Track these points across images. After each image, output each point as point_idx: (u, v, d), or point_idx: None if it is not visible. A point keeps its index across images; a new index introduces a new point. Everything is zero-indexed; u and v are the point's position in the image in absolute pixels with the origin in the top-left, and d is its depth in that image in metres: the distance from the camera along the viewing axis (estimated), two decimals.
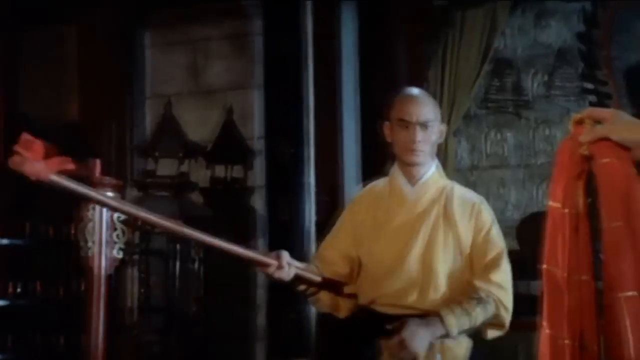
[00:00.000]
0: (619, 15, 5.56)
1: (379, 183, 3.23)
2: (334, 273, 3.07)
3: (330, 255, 3.12)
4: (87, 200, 2.58)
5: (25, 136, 2.36)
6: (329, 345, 5.11)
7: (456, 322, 2.92)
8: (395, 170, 3.15)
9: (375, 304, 3.03)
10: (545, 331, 1.76)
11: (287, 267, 2.88)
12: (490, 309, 2.99)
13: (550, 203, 1.79)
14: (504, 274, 3.06)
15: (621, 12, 5.56)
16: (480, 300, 2.97)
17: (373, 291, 3.04)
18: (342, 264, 3.10)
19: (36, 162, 2.35)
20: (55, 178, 2.40)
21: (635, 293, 1.67)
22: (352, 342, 3.16)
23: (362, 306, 3.08)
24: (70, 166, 2.43)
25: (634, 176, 1.72)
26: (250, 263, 3.07)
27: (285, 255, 2.90)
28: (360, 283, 3.10)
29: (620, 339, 1.67)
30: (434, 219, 3.05)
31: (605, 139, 1.72)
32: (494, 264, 3.05)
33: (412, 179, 3.11)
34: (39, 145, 2.35)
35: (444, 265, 3.03)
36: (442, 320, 2.91)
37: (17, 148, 2.35)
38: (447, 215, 3.06)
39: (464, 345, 3.03)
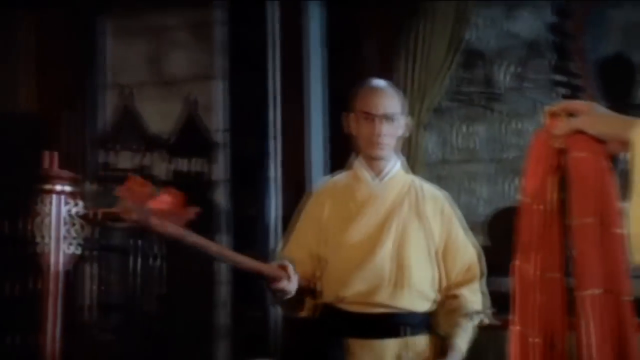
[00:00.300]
0: (592, 6, 5.49)
1: (341, 177, 3.15)
2: (303, 273, 2.98)
3: (298, 254, 3.03)
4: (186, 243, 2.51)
5: (134, 180, 2.38)
6: (295, 344, 4.97)
7: (464, 343, 3.01)
8: (360, 164, 3.09)
9: (343, 302, 2.97)
10: (515, 328, 1.76)
11: (294, 278, 2.79)
12: (477, 319, 3.10)
13: (522, 198, 1.78)
14: (482, 280, 3.10)
15: (594, 2, 5.51)
16: (472, 315, 3.06)
17: (341, 289, 2.98)
18: (309, 263, 3.04)
19: (144, 208, 2.35)
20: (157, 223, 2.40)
21: (601, 291, 1.66)
22: (319, 342, 3.09)
23: (327, 305, 3.01)
24: (186, 214, 2.48)
25: (608, 171, 1.70)
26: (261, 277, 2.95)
27: (291, 266, 2.81)
28: (326, 281, 3.03)
29: (584, 337, 1.67)
30: (405, 214, 3.01)
31: (580, 132, 1.71)
32: (474, 270, 3.07)
33: (378, 174, 3.05)
34: (146, 187, 2.39)
35: (416, 262, 2.99)
36: (453, 348, 2.97)
37: (123, 192, 2.34)
38: (418, 211, 3.03)
39: (431, 344, 3.04)
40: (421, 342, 3.01)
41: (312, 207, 3.13)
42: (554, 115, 1.78)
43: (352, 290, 2.98)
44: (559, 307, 1.75)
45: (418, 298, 3.00)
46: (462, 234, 3.13)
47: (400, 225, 3.01)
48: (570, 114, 1.75)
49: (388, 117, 3.00)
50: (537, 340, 1.73)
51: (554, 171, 1.76)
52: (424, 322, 3.05)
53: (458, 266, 3.08)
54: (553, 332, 1.74)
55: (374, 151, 3.03)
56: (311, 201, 3.16)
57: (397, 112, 3.04)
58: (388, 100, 3.03)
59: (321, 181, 3.30)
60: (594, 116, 1.72)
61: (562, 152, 1.75)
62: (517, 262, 1.78)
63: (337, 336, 2.99)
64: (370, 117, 3.00)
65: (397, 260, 2.97)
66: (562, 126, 1.73)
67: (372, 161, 3.06)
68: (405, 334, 2.99)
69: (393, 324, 2.98)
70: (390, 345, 2.97)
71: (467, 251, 3.12)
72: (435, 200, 3.10)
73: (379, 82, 3.16)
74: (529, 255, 1.76)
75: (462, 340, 3.00)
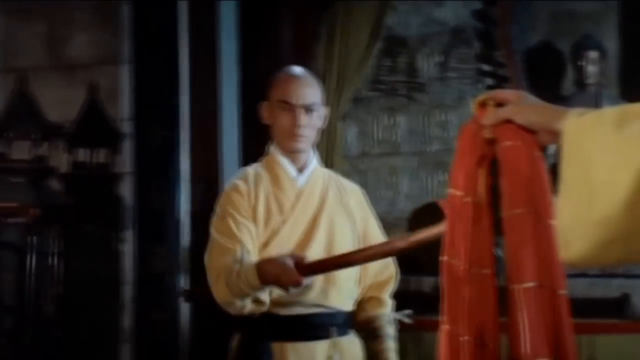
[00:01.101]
0: None
1: (259, 169, 2.99)
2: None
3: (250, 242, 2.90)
4: None
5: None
6: (206, 349, 4.85)
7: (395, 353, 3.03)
8: (278, 156, 2.96)
9: (272, 303, 2.86)
10: (444, 327, 1.73)
11: None
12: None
13: (451, 191, 1.74)
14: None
15: None
16: (395, 319, 3.08)
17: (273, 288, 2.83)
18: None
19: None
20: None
21: (534, 284, 1.62)
22: (243, 349, 2.94)
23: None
24: None
25: (540, 160, 1.67)
26: None
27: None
28: None
29: (517, 333, 1.62)
30: (331, 209, 2.94)
31: (510, 122, 1.67)
32: (392, 268, 3.06)
33: (301, 168, 2.95)
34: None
35: None
36: None
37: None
38: (343, 204, 2.97)
39: (357, 344, 2.99)
40: (348, 342, 2.97)
41: (240, 199, 2.93)
42: (482, 104, 1.73)
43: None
44: (489, 304, 1.70)
45: (346, 296, 2.97)
46: (378, 228, 3.10)
47: (329, 220, 2.95)
48: (499, 104, 1.70)
49: (307, 108, 2.90)
50: (466, 338, 1.69)
51: (484, 163, 1.72)
52: (349, 322, 3.00)
53: (382, 275, 3.06)
54: (484, 330, 1.69)
55: (293, 144, 2.93)
56: (235, 194, 2.94)
57: (316, 102, 2.94)
58: (308, 89, 2.94)
59: (239, 173, 3.07)
60: (523, 105, 1.67)
61: (492, 143, 1.70)
62: (445, 258, 1.74)
63: (263, 342, 2.89)
64: (289, 107, 2.90)
65: (328, 256, 2.89)
66: (491, 115, 1.69)
67: (293, 154, 2.97)
68: (334, 335, 2.93)
69: (323, 324, 2.92)
70: (320, 347, 2.90)
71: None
72: (355, 193, 3.07)
73: (298, 70, 3.04)
74: (458, 251, 1.72)
75: (394, 349, 3.02)
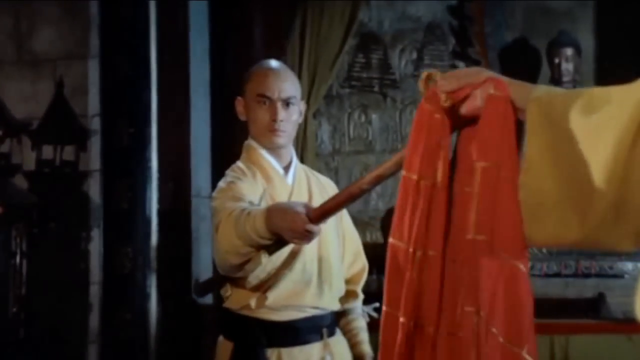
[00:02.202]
0: None
1: (244, 165, 2.89)
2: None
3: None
4: None
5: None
6: (172, 347, 4.80)
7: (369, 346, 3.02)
8: (262, 152, 2.86)
9: (263, 308, 2.79)
10: (383, 309, 1.75)
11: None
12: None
13: (404, 173, 1.74)
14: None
15: None
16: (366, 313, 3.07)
17: (263, 292, 2.79)
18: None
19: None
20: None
21: (484, 237, 1.63)
22: (239, 356, 2.85)
23: (240, 314, 2.83)
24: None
25: (511, 113, 1.63)
26: None
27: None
28: (242, 285, 2.81)
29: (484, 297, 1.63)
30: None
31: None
32: (363, 260, 3.05)
33: (286, 166, 2.88)
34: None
35: (335, 257, 2.89)
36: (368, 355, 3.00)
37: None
38: (323, 198, 2.80)
39: (344, 343, 2.98)
40: (337, 342, 2.93)
41: (243, 181, 2.80)
42: (428, 79, 1.72)
43: (279, 293, 2.80)
44: (432, 287, 1.71)
45: (337, 296, 2.92)
46: (352, 224, 3.06)
47: None
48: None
49: (285, 101, 2.82)
50: (402, 320, 1.70)
51: (441, 145, 1.71)
52: (336, 321, 2.97)
53: (348, 254, 3.00)
54: (423, 313, 1.71)
55: (273, 139, 2.83)
56: (238, 179, 2.81)
57: (294, 95, 2.86)
58: (286, 83, 2.85)
59: (229, 171, 2.91)
60: (473, 73, 1.70)
61: (452, 115, 1.69)
62: (390, 239, 1.76)
63: (258, 348, 2.81)
64: (267, 101, 2.81)
65: (320, 256, 2.84)
66: (453, 80, 1.67)
67: (275, 151, 2.88)
68: (325, 336, 2.89)
69: (316, 326, 2.87)
70: (314, 350, 2.86)
71: (354, 237, 3.05)
72: (332, 188, 3.00)
73: (275, 64, 2.95)
74: (402, 234, 1.73)
75: (367, 342, 3.01)
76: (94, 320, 4.95)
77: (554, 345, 4.41)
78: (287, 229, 2.40)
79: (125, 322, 4.79)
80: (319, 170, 3.27)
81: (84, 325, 4.97)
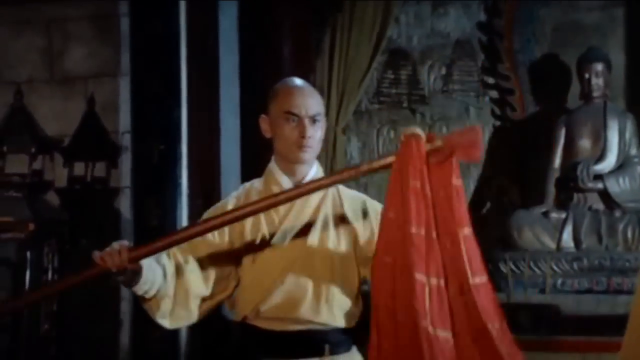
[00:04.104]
0: (521, 3, 5.42)
1: (254, 184, 2.96)
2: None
3: (202, 244, 2.84)
4: None
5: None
6: None
7: None
8: (274, 170, 2.90)
9: (260, 318, 2.80)
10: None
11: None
12: None
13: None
14: None
15: (523, 1, 5.44)
16: None
17: (260, 303, 2.80)
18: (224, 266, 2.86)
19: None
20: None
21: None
22: None
23: (242, 323, 2.85)
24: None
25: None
26: None
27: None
28: (242, 294, 2.84)
29: None
30: (322, 220, 2.84)
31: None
32: None
33: (295, 180, 2.87)
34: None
35: (338, 271, 2.83)
36: None
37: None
38: (337, 216, 2.86)
39: None
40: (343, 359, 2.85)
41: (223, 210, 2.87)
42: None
43: (271, 304, 2.80)
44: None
45: (340, 313, 2.84)
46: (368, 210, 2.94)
47: (318, 231, 2.84)
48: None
49: (312, 118, 2.83)
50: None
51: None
52: (348, 339, 2.88)
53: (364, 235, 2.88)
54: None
55: (298, 155, 2.84)
56: (222, 206, 2.91)
57: (320, 112, 2.87)
58: (312, 100, 2.87)
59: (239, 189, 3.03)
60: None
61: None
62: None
63: (253, 357, 2.82)
64: (295, 118, 2.82)
65: (315, 272, 2.80)
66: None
67: (291, 166, 2.88)
68: (327, 353, 2.81)
69: (315, 341, 2.81)
70: None
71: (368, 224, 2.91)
72: (354, 200, 2.93)
73: (299, 81, 2.96)
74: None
75: None
76: (125, 336, 4.99)
77: None
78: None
79: (155, 339, 4.79)
80: (348, 187, 3.26)
81: (115, 341, 5.01)
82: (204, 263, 2.82)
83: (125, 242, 2.63)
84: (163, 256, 2.73)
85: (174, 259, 2.75)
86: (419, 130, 2.49)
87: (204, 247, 2.83)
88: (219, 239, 2.84)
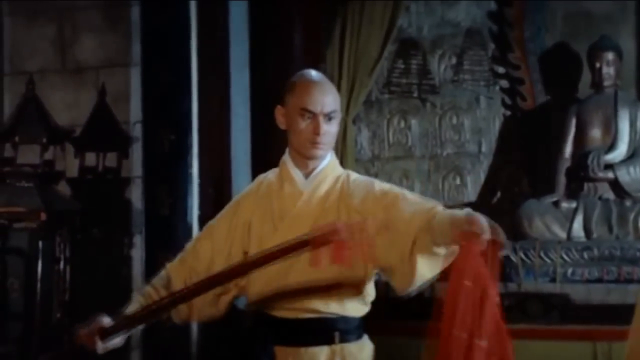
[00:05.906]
0: None
1: (268, 175, 2.96)
2: (209, 270, 2.81)
3: (205, 252, 2.87)
4: None
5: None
6: (214, 353, 4.79)
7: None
8: (287, 161, 2.90)
9: (270, 306, 2.81)
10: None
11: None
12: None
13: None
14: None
15: None
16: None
17: (266, 294, 2.81)
18: (218, 261, 2.84)
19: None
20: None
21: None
22: (245, 351, 2.90)
23: (254, 311, 2.86)
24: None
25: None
26: None
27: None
28: (250, 284, 2.84)
29: None
30: (332, 208, 2.83)
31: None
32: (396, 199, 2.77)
33: (307, 171, 2.88)
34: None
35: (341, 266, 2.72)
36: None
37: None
38: (344, 200, 2.84)
39: (367, 350, 2.88)
40: (356, 348, 2.85)
41: (235, 205, 2.93)
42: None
43: (281, 295, 2.80)
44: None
45: (350, 303, 2.84)
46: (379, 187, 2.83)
47: (327, 220, 2.79)
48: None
49: (328, 116, 2.81)
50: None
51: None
52: (359, 327, 2.88)
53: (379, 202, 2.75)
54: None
55: (311, 151, 2.83)
56: (237, 200, 2.96)
57: (336, 109, 2.85)
58: (329, 97, 2.83)
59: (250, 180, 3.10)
60: None
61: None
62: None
63: (264, 344, 2.83)
64: (310, 115, 2.80)
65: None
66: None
67: (305, 159, 2.87)
68: (337, 341, 2.81)
69: (324, 330, 2.81)
70: (322, 353, 2.80)
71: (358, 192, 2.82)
72: (358, 183, 2.89)
73: (318, 76, 2.91)
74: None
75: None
76: None
77: (596, 352, 4.38)
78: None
79: (167, 328, 4.79)
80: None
81: None
82: (214, 262, 2.83)
83: (105, 320, 2.84)
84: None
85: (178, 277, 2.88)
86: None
87: (208, 245, 2.86)
88: (225, 233, 2.86)
